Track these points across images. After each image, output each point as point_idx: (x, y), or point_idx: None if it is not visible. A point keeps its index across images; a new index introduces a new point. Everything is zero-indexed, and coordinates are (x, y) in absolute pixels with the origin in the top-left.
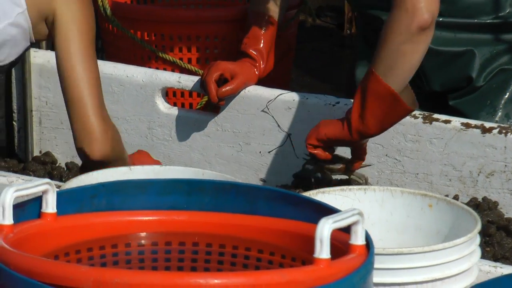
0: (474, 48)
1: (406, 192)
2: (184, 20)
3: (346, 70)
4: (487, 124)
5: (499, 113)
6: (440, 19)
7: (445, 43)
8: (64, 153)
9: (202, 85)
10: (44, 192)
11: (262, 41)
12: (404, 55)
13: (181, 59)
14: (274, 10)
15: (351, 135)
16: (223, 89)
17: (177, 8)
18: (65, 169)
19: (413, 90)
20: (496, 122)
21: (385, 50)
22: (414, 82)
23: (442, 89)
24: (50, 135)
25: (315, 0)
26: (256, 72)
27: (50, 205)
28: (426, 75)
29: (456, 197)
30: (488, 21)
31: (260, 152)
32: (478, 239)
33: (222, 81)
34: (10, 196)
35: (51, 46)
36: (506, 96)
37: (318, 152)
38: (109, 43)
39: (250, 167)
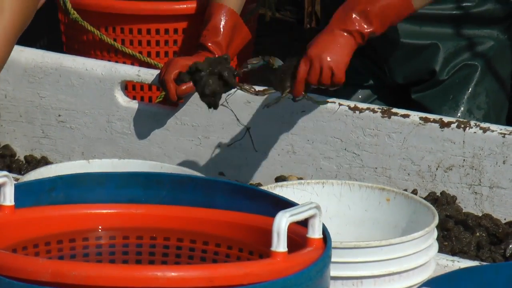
0: (439, 42)
1: (364, 186)
2: (144, 14)
3: None
4: (446, 119)
5: (462, 108)
6: None
7: (410, 35)
8: (23, 146)
9: (161, 84)
10: (2, 184)
11: (221, 34)
12: None
13: (140, 52)
14: (235, 3)
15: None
16: (182, 88)
17: (137, 1)
18: (24, 162)
19: (376, 82)
20: (459, 117)
21: None
22: (377, 74)
23: (405, 82)
24: (9, 128)
25: None
26: None
27: (7, 198)
28: (390, 67)
29: (415, 192)
30: (453, 12)
31: (219, 145)
32: (435, 233)
33: (182, 76)
34: None
35: None
36: (469, 91)
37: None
38: (69, 36)
39: (209, 160)
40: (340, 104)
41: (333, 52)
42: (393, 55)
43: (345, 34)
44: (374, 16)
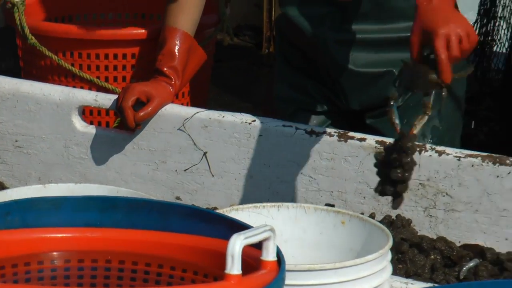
0: (394, 69)
1: (319, 209)
2: (102, 39)
3: (264, 89)
4: None
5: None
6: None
7: (365, 64)
8: None
9: (119, 111)
10: None
11: (176, 58)
12: None
13: (98, 77)
14: (188, 26)
15: None
16: (140, 114)
17: (95, 27)
18: None
19: (330, 108)
20: None
21: None
22: (331, 100)
23: (361, 108)
24: None
25: (233, 19)
26: (172, 90)
27: None
28: (346, 94)
29: (372, 215)
30: (407, 34)
31: (176, 170)
32: (389, 256)
33: (138, 103)
34: None
35: None
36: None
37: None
38: (27, 61)
39: (166, 185)
40: (297, 128)
41: (455, 17)
42: (349, 84)
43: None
44: None
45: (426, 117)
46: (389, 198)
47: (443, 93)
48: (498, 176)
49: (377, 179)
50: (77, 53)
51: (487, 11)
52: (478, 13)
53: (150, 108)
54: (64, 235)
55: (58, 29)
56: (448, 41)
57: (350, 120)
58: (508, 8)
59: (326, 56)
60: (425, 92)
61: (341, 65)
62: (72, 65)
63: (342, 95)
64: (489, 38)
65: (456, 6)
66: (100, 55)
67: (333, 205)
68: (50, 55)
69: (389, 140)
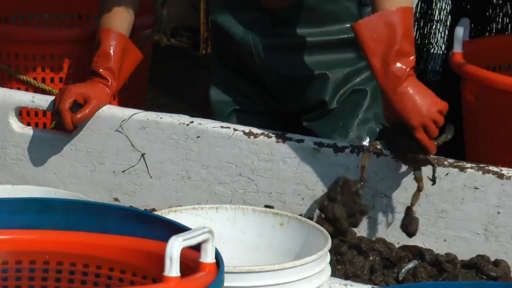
0: (328, 71)
1: (257, 210)
2: (38, 40)
3: (202, 89)
4: (340, 144)
5: (351, 135)
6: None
7: (300, 68)
8: None
9: (57, 113)
10: None
11: (112, 59)
12: None
13: (35, 78)
14: (123, 27)
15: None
16: (78, 116)
17: (31, 28)
18: None
19: (267, 109)
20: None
21: None
22: (268, 102)
23: (296, 111)
24: None
25: (170, 20)
26: (108, 91)
27: None
28: (281, 97)
29: (311, 217)
30: (340, 36)
31: (114, 171)
32: (328, 257)
33: (76, 105)
34: None
35: None
36: (359, 117)
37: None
38: None
39: (104, 186)
40: (234, 130)
41: (423, 102)
42: (282, 87)
43: (406, 82)
44: (405, 48)
45: (421, 193)
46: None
47: (433, 165)
48: (436, 178)
49: (316, 179)
50: (13, 54)
51: (423, 14)
52: (415, 16)
53: (87, 110)
54: (2, 237)
55: None
56: (426, 127)
57: (287, 121)
58: (445, 11)
59: (258, 61)
60: (415, 168)
61: (273, 69)
62: (9, 66)
63: (277, 98)
64: (426, 41)
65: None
66: (36, 56)
67: (272, 207)
68: None
69: (328, 142)
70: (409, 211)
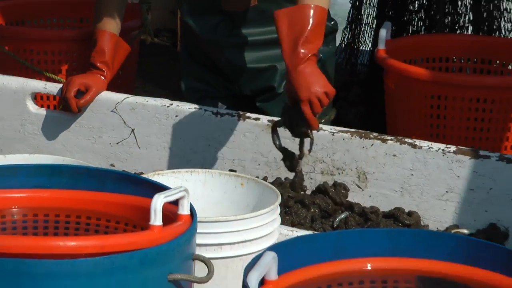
0: (276, 63)
1: (223, 173)
2: (48, 39)
3: (179, 79)
4: None
5: None
6: (248, 38)
7: (253, 61)
8: None
9: (64, 100)
10: None
11: (106, 54)
12: None
13: (46, 70)
14: (114, 27)
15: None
16: (81, 101)
17: (43, 29)
18: None
19: (228, 94)
20: None
21: None
22: (229, 88)
23: (252, 94)
24: None
25: (154, 23)
26: (105, 80)
27: None
28: (239, 84)
29: (265, 178)
30: None
31: (110, 143)
32: (278, 210)
33: (79, 93)
34: None
35: None
36: None
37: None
38: None
39: (102, 155)
40: (205, 110)
41: (314, 81)
42: (241, 76)
43: (306, 63)
44: (312, 38)
45: (300, 161)
46: (278, 165)
47: (311, 138)
48: (363, 147)
49: (269, 149)
50: (29, 50)
51: (354, 19)
52: (347, 20)
53: (88, 96)
54: (21, 195)
55: (13, 30)
56: (311, 101)
57: (244, 104)
58: (371, 16)
59: (222, 56)
60: (300, 138)
61: (234, 63)
62: (25, 59)
63: (236, 85)
64: (357, 40)
65: (328, 15)
66: (47, 52)
67: (235, 171)
68: (6, 52)
69: (278, 119)
70: (296, 171)
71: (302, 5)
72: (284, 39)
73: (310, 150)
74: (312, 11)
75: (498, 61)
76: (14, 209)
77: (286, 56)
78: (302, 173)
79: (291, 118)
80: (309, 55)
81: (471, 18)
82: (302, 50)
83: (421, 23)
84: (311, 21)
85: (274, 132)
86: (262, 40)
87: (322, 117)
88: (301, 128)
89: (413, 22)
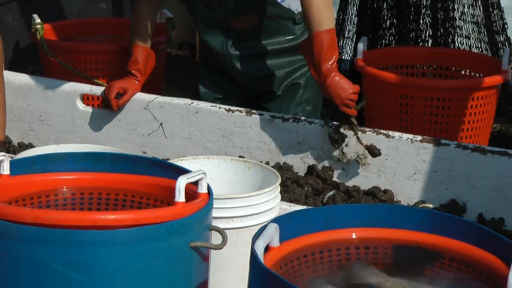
0: (275, 71)
1: (233, 159)
2: (94, 51)
3: (197, 83)
4: (286, 116)
5: (291, 113)
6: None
7: (256, 70)
8: (17, 136)
9: (106, 101)
10: (1, 161)
11: (139, 63)
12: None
13: (92, 76)
14: (146, 42)
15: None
16: (120, 102)
17: (90, 44)
18: (17, 146)
19: (237, 95)
20: None
21: (320, 11)
22: (237, 92)
23: (254, 96)
24: (8, 125)
25: (177, 38)
26: (138, 84)
27: (5, 169)
28: (245, 88)
29: (267, 163)
30: (283, 45)
31: (143, 134)
32: (278, 189)
33: (118, 94)
34: None
35: None
36: (296, 101)
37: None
38: (46, 66)
39: (136, 144)
40: (219, 107)
41: (341, 90)
42: (247, 82)
43: (330, 78)
44: (329, 55)
45: (356, 136)
46: (279, 152)
47: (354, 124)
48: (347, 137)
49: (271, 139)
50: (78, 60)
51: (337, 34)
52: None
53: (126, 97)
54: (70, 177)
55: (65, 45)
56: (345, 104)
57: (250, 103)
58: (351, 31)
59: (231, 66)
60: (346, 123)
61: (241, 72)
62: (75, 68)
63: (243, 88)
64: (340, 51)
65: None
66: (92, 62)
67: (243, 157)
68: (60, 61)
69: (278, 115)
70: (360, 142)
71: (315, 33)
72: (311, 63)
73: (356, 132)
74: (325, 35)
75: (453, 68)
76: (64, 189)
77: (315, 76)
78: (364, 143)
79: (336, 112)
80: (331, 68)
81: (431, 33)
82: (324, 67)
83: (392, 37)
84: (326, 43)
85: (326, 119)
86: (263, 51)
87: (356, 106)
88: (346, 119)
89: (385, 37)
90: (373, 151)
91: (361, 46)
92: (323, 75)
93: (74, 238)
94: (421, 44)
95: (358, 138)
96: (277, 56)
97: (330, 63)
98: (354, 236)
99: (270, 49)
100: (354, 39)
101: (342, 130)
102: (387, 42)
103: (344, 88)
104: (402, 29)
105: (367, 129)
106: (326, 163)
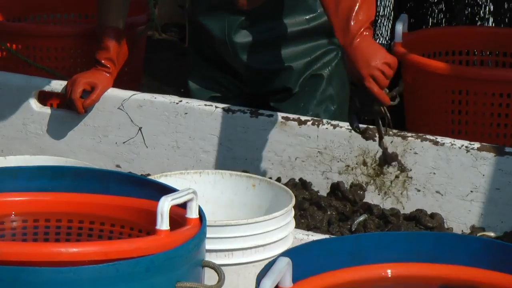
0: (292, 63)
1: (234, 174)
2: (51, 35)
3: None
4: (303, 118)
5: (310, 114)
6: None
7: (268, 62)
8: None
9: (70, 102)
10: None
11: (111, 50)
12: None
13: (49, 66)
14: (118, 22)
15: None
16: (87, 102)
17: (46, 25)
18: None
19: (239, 93)
20: None
21: None
22: (240, 87)
23: (264, 94)
24: None
25: (162, 18)
26: (110, 77)
27: None
28: (252, 84)
29: (279, 179)
30: (300, 27)
31: (116, 143)
32: (292, 213)
33: (85, 92)
34: None
35: None
36: (316, 99)
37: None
38: None
39: (108, 155)
40: (216, 107)
41: (372, 54)
42: (256, 78)
43: (360, 38)
44: (363, 11)
45: (383, 140)
46: (293, 164)
47: (387, 116)
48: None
49: (283, 147)
50: (31, 47)
51: None
52: None
53: (94, 96)
54: (21, 198)
55: (14, 27)
56: (373, 77)
57: (256, 102)
58: (388, 8)
59: (236, 58)
60: (373, 119)
61: (248, 65)
62: (28, 56)
63: (250, 86)
64: (374, 33)
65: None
66: (50, 48)
67: (247, 171)
68: (8, 49)
69: (293, 116)
70: (383, 149)
71: None
72: (334, 17)
73: (387, 129)
74: None
75: None
76: (13, 215)
77: (339, 35)
78: (388, 151)
79: (360, 99)
80: (361, 29)
81: (492, 9)
82: (354, 25)
83: (441, 15)
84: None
85: (351, 117)
86: (276, 37)
87: (390, 91)
88: (372, 107)
89: (433, 14)
90: (389, 157)
91: (400, 26)
92: (351, 34)
93: (25, 277)
94: (479, 23)
95: (381, 139)
96: (294, 42)
97: (363, 19)
98: (390, 274)
99: (285, 33)
100: (391, 18)
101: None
102: (434, 21)
103: (377, 54)
104: (455, 4)
105: (408, 134)
106: (355, 179)
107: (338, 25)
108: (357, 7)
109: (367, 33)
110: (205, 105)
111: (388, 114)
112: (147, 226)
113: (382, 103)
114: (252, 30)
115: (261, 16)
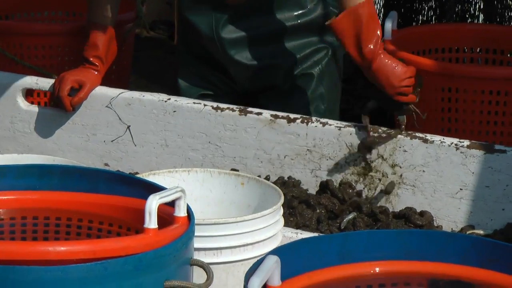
0: (280, 59)
1: (222, 172)
2: (39, 33)
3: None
4: (292, 115)
5: (301, 113)
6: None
7: (256, 58)
8: None
9: (57, 99)
10: None
11: (99, 48)
12: None
13: (36, 65)
14: (107, 20)
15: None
16: (75, 100)
17: (33, 23)
18: None
19: (228, 90)
20: None
21: None
22: (229, 84)
23: (252, 91)
24: None
25: (150, 15)
26: (98, 75)
27: None
28: (241, 81)
29: (267, 177)
30: (290, 23)
31: (104, 141)
32: (281, 211)
33: (72, 90)
34: None
35: None
36: (307, 97)
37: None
38: None
39: (96, 154)
40: (204, 105)
41: (392, 76)
42: (244, 75)
43: (376, 61)
44: (370, 34)
45: (399, 133)
46: (282, 162)
47: (415, 112)
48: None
49: (272, 145)
50: (18, 45)
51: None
52: None
53: (82, 94)
54: (9, 197)
55: (1, 25)
56: (400, 93)
57: (246, 100)
58: (378, 5)
59: (224, 54)
60: (400, 114)
61: (236, 61)
62: (15, 54)
63: (239, 82)
64: None
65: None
66: (37, 46)
67: (237, 170)
68: None
69: (282, 114)
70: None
71: (352, 9)
72: (349, 47)
73: (419, 123)
74: (361, 10)
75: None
76: (1, 212)
77: (357, 61)
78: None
79: (387, 104)
80: (376, 50)
81: (482, 7)
82: (367, 49)
83: (431, 12)
84: (364, 20)
85: (364, 118)
86: (265, 33)
87: (415, 90)
88: (402, 110)
89: (423, 11)
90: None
91: (389, 24)
92: (366, 59)
93: (13, 276)
94: (469, 20)
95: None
96: (282, 38)
97: (373, 42)
98: (378, 271)
99: (275, 29)
100: (381, 15)
101: (379, 133)
102: (424, 18)
103: (396, 73)
104: (445, 1)
105: (404, 133)
106: (344, 177)
107: (354, 53)
108: (364, 31)
109: (381, 52)
110: (194, 103)
111: (417, 110)
112: (135, 225)
113: (411, 103)
114: (240, 25)
115: (249, 11)
